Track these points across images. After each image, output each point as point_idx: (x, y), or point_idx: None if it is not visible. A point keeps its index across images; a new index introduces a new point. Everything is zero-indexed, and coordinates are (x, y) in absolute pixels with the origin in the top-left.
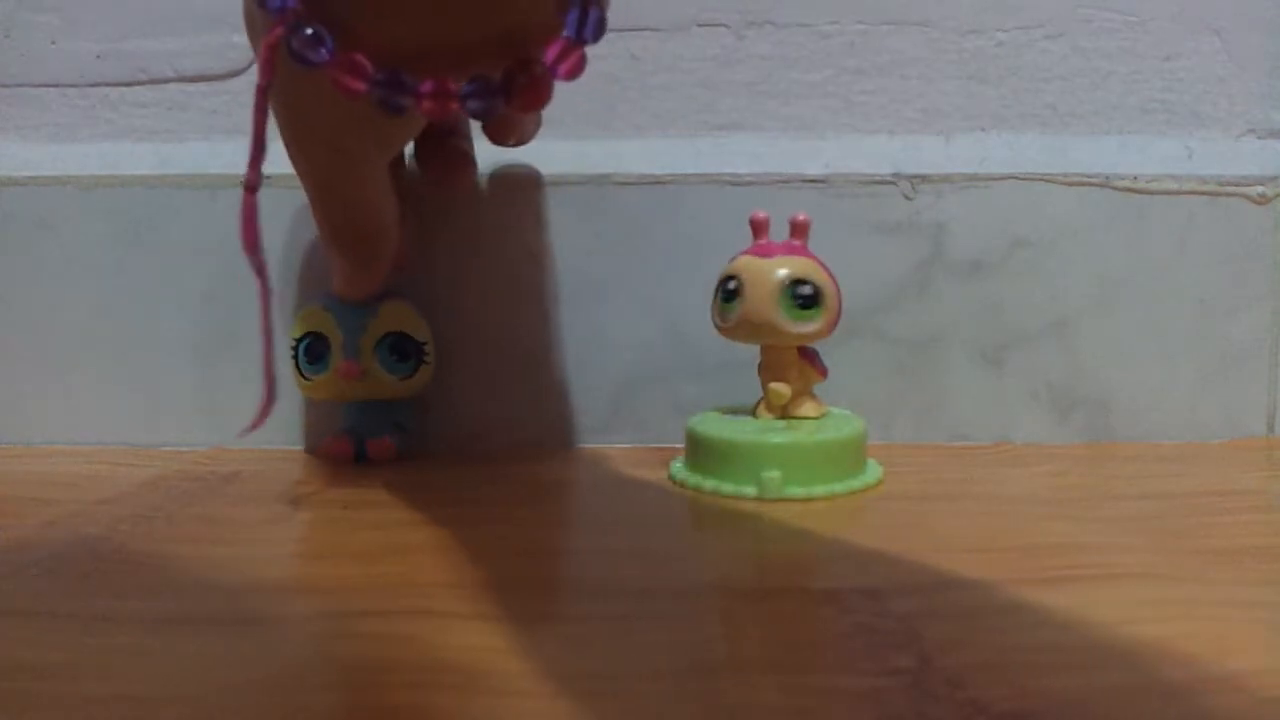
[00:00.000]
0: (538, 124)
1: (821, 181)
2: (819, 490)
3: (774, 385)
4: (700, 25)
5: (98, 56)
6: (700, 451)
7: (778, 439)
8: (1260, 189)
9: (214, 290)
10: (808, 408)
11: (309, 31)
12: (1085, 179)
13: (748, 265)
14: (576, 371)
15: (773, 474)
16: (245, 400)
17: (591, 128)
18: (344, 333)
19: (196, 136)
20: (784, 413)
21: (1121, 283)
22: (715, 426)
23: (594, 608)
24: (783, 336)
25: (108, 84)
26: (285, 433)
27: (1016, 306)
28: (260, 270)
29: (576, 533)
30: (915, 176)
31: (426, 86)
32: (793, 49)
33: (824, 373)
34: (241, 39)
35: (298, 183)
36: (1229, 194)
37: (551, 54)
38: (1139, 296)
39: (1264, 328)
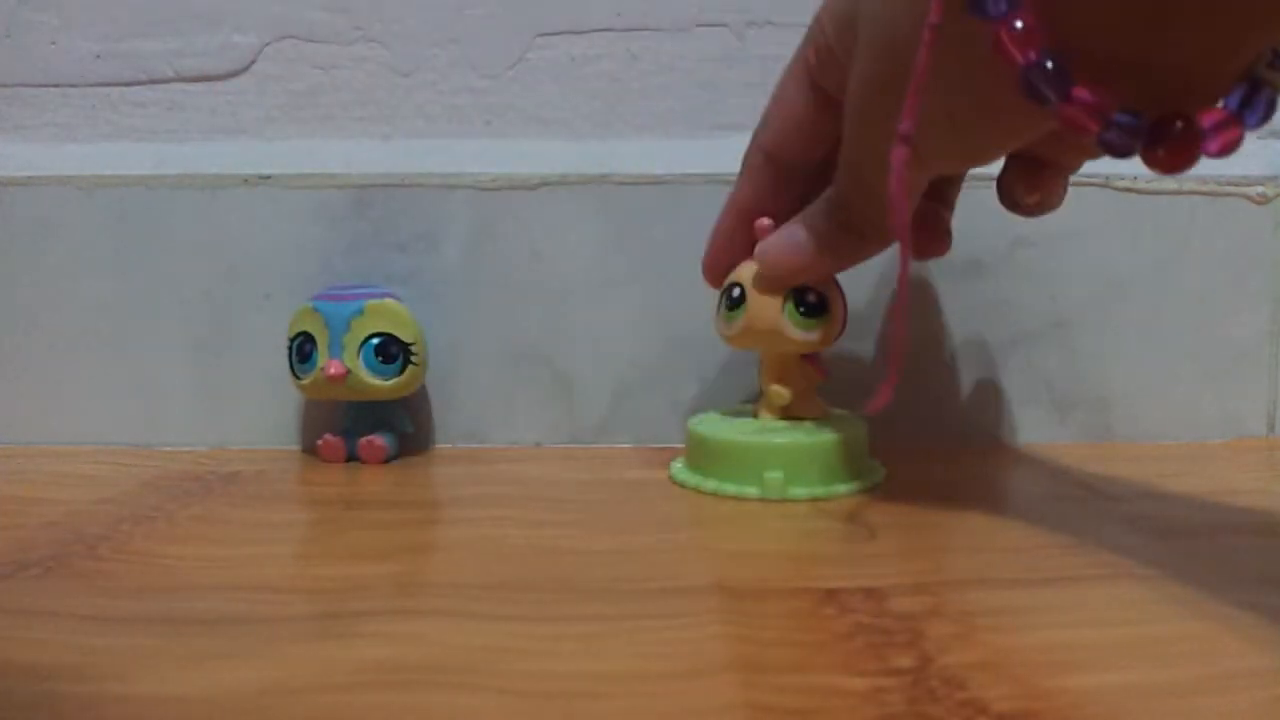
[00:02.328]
0: (1062, 195)
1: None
2: (820, 491)
3: (774, 387)
4: (700, 25)
5: (98, 56)
6: (702, 452)
7: (780, 439)
8: (1260, 189)
9: (214, 290)
10: (809, 408)
11: (1049, 65)
12: (1085, 179)
13: (752, 273)
14: (577, 371)
15: (775, 474)
16: (245, 400)
17: (591, 128)
18: (331, 332)
19: (196, 136)
20: (785, 413)
21: (1121, 283)
22: (717, 427)
23: (594, 608)
24: (787, 344)
25: (108, 84)
26: (284, 433)
27: (1016, 306)
28: (904, 235)
29: (576, 533)
30: None
31: (1082, 93)
32: (793, 49)
33: (825, 373)
34: (242, 39)
35: (298, 182)
36: (1229, 194)
37: (1209, 120)
38: (1139, 296)
39: (1264, 328)
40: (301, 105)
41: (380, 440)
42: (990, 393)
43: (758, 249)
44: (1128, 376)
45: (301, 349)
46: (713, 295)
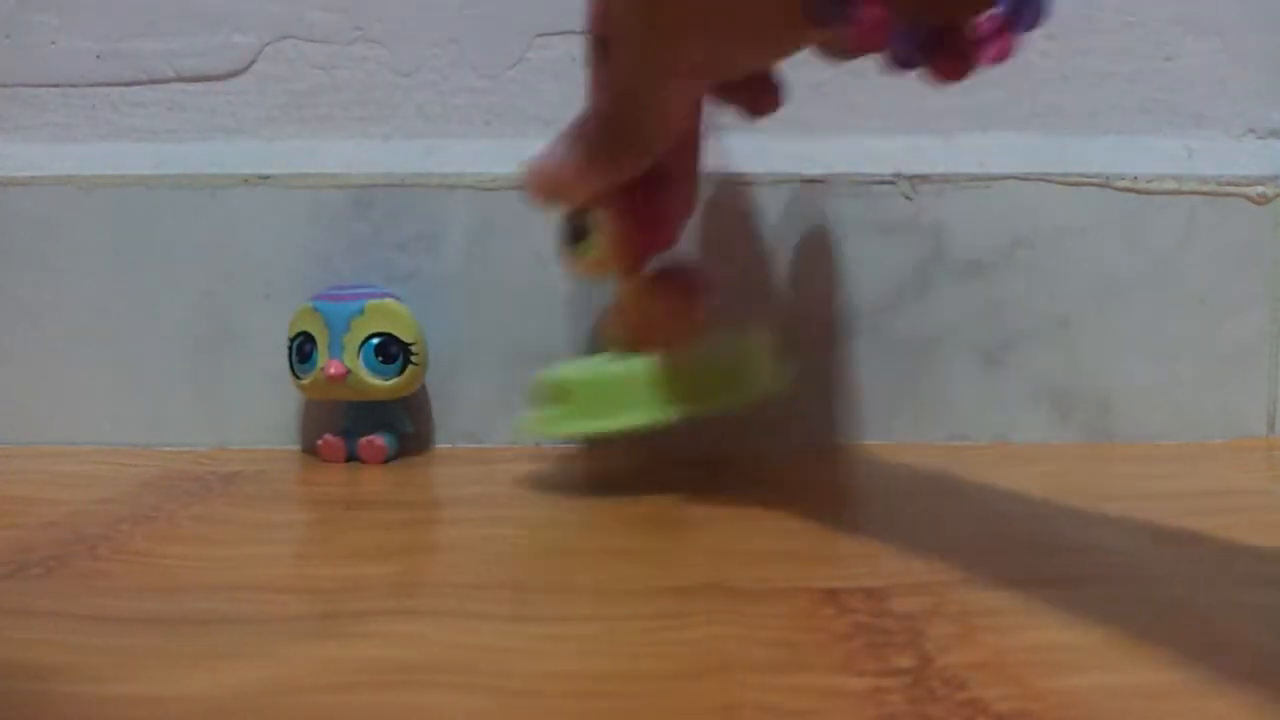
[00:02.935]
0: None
1: (821, 181)
2: (593, 425)
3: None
4: None
5: (98, 56)
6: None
7: (558, 373)
8: (1260, 189)
9: (214, 290)
10: (664, 337)
11: None
12: (1085, 179)
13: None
14: None
15: (552, 412)
16: (245, 400)
17: None
18: (330, 332)
19: (196, 136)
20: (640, 347)
21: (1121, 283)
22: (563, 367)
23: (594, 608)
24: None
25: (108, 84)
26: (284, 433)
27: (1016, 306)
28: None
29: (577, 533)
30: (915, 176)
31: (872, 10)
32: None
33: (682, 293)
34: (242, 39)
35: (298, 182)
36: (1229, 194)
37: (981, 29)
38: (1139, 296)
39: (1264, 328)
40: (301, 105)
41: (380, 440)
42: (990, 393)
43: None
44: (1128, 376)
45: (301, 349)
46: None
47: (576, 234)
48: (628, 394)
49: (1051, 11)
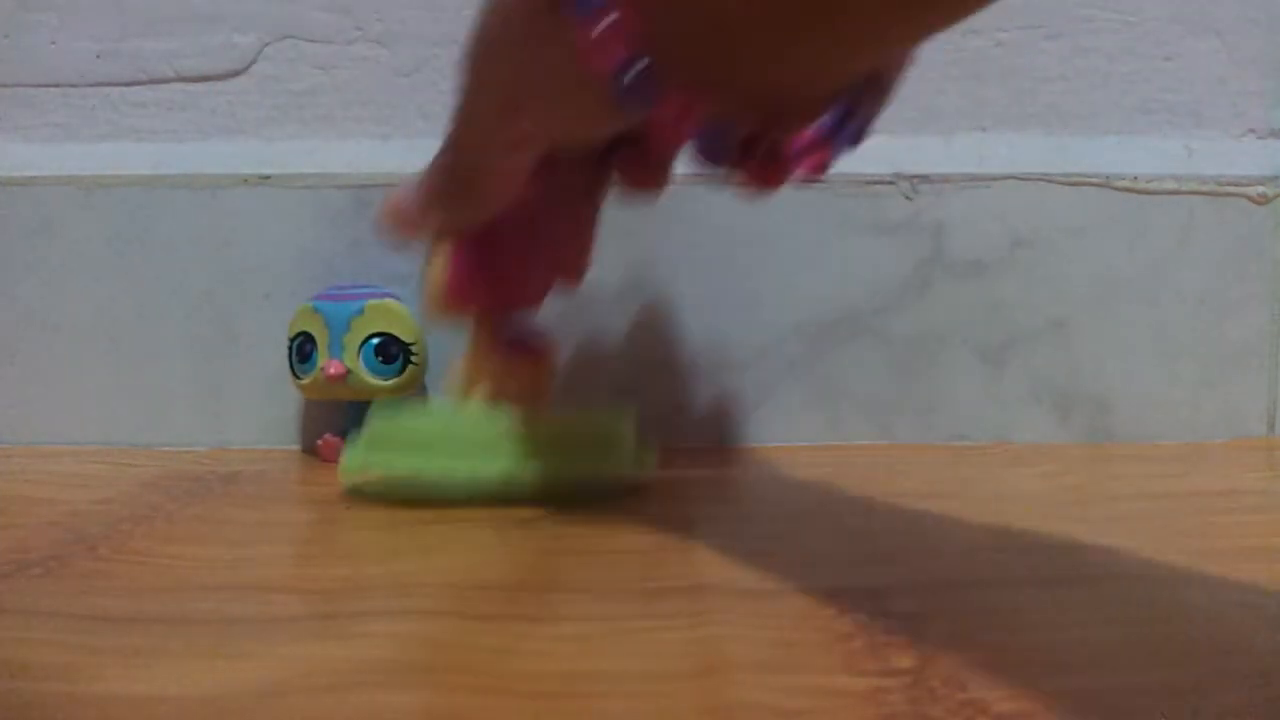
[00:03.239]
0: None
1: (821, 181)
2: (395, 467)
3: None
4: None
5: (98, 56)
6: None
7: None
8: (1260, 189)
9: (214, 290)
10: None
11: (640, 65)
12: (1085, 179)
13: None
14: (577, 372)
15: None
16: (245, 400)
17: None
18: (330, 332)
19: (196, 136)
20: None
21: (1121, 283)
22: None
23: (594, 608)
24: None
25: (108, 84)
26: (284, 433)
27: (1016, 306)
28: None
29: (576, 533)
30: (915, 176)
31: (676, 101)
32: None
33: (518, 353)
34: (242, 39)
35: (298, 182)
36: (1229, 194)
37: (799, 142)
38: (1139, 296)
39: (1264, 328)
40: (301, 105)
41: None
42: (990, 393)
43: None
44: (1128, 376)
45: (301, 349)
46: (713, 294)
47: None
48: (450, 444)
49: (872, 131)
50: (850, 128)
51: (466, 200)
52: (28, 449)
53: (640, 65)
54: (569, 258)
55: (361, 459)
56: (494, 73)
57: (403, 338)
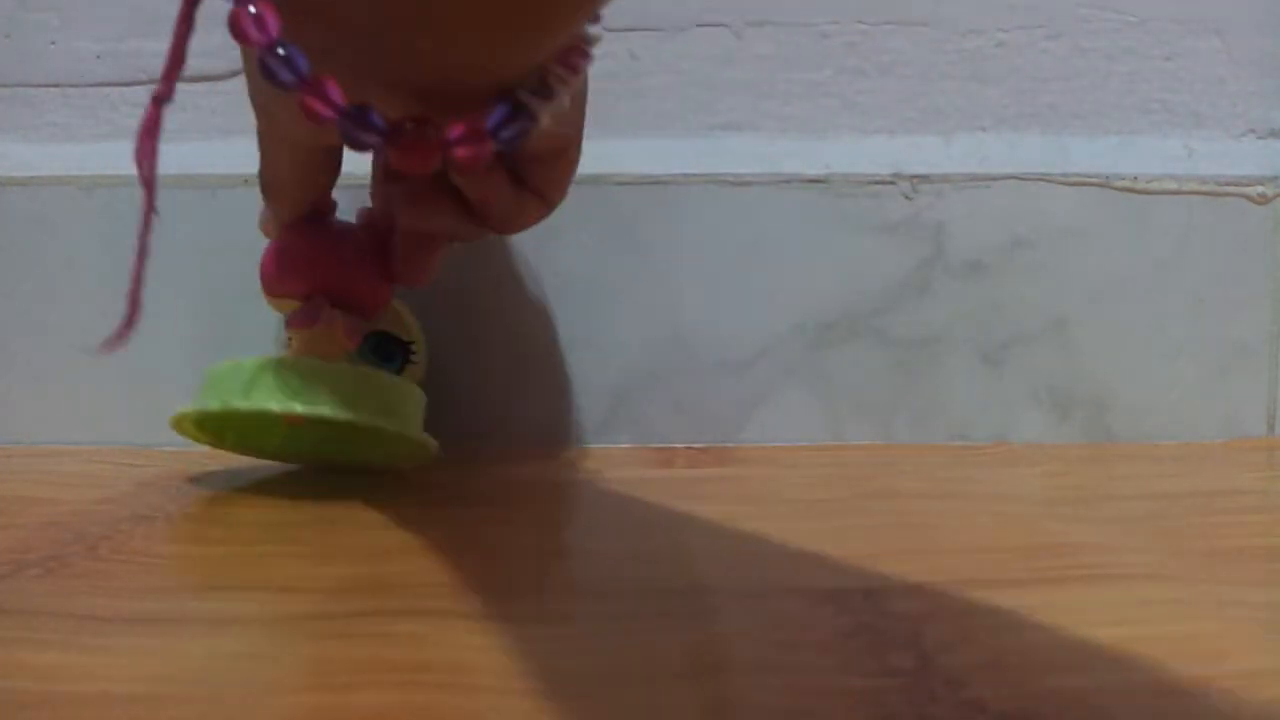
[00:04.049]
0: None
1: (821, 181)
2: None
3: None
4: (700, 25)
5: (98, 56)
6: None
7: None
8: (1260, 189)
9: (214, 290)
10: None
11: (280, 52)
12: (1085, 179)
13: None
14: (576, 371)
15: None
16: None
17: (590, 127)
18: None
19: (196, 136)
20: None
21: (1121, 283)
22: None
23: (594, 608)
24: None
25: (108, 84)
26: None
27: (1016, 306)
28: (149, 183)
29: (576, 533)
30: (915, 176)
31: (319, 83)
32: (793, 49)
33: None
34: None
35: None
36: (1229, 194)
37: (456, 131)
38: (1139, 296)
39: (1264, 328)
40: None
41: None
42: (990, 393)
43: None
44: (1128, 376)
45: None
46: (713, 294)
47: None
48: (253, 381)
49: (530, 134)
50: (516, 124)
51: (267, 191)
52: (28, 449)
53: (282, 49)
54: (397, 264)
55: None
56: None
57: (402, 337)
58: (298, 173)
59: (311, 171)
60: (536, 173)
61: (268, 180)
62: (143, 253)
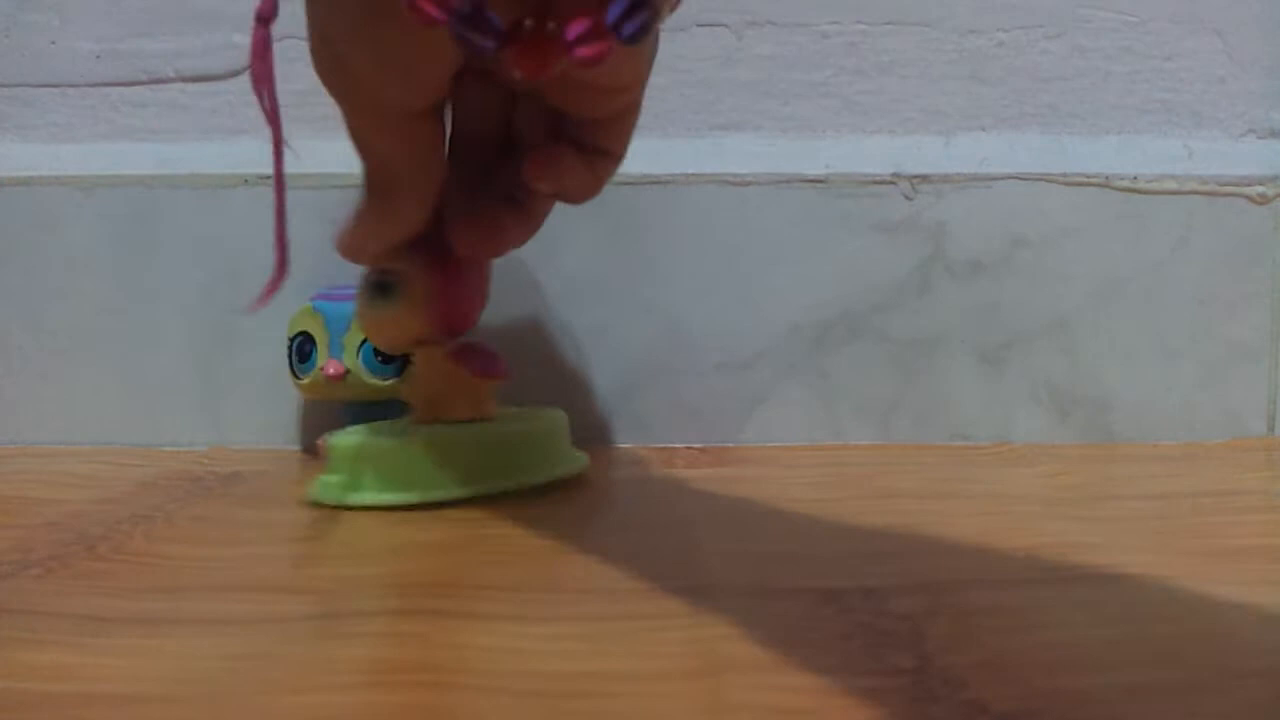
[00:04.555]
0: (588, 182)
1: (821, 181)
2: (386, 498)
3: (405, 385)
4: (700, 25)
5: (98, 56)
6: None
7: (348, 440)
8: (1260, 189)
9: (214, 290)
10: (453, 409)
11: None
12: (1085, 179)
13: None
14: (577, 371)
15: (331, 478)
16: (245, 400)
17: None
18: (330, 332)
19: (196, 136)
20: (431, 416)
21: (1121, 283)
22: (352, 434)
23: (594, 608)
24: (366, 330)
25: (108, 84)
26: (284, 433)
27: (1016, 306)
28: (273, 115)
29: (576, 532)
30: (915, 176)
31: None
32: (793, 49)
33: (486, 374)
34: (242, 39)
35: (298, 182)
36: (1229, 194)
37: (576, 28)
38: (1139, 296)
39: (1264, 328)
40: (301, 105)
41: None
42: (990, 393)
43: None
44: (1128, 376)
45: (301, 349)
46: (713, 294)
47: (380, 290)
48: (418, 467)
49: (653, 29)
50: (637, 19)
51: (391, 206)
52: (28, 449)
53: None
54: (484, 280)
55: (331, 483)
56: (347, 57)
57: None
58: (407, 150)
59: (420, 147)
60: (607, 132)
61: (378, 180)
62: (281, 189)
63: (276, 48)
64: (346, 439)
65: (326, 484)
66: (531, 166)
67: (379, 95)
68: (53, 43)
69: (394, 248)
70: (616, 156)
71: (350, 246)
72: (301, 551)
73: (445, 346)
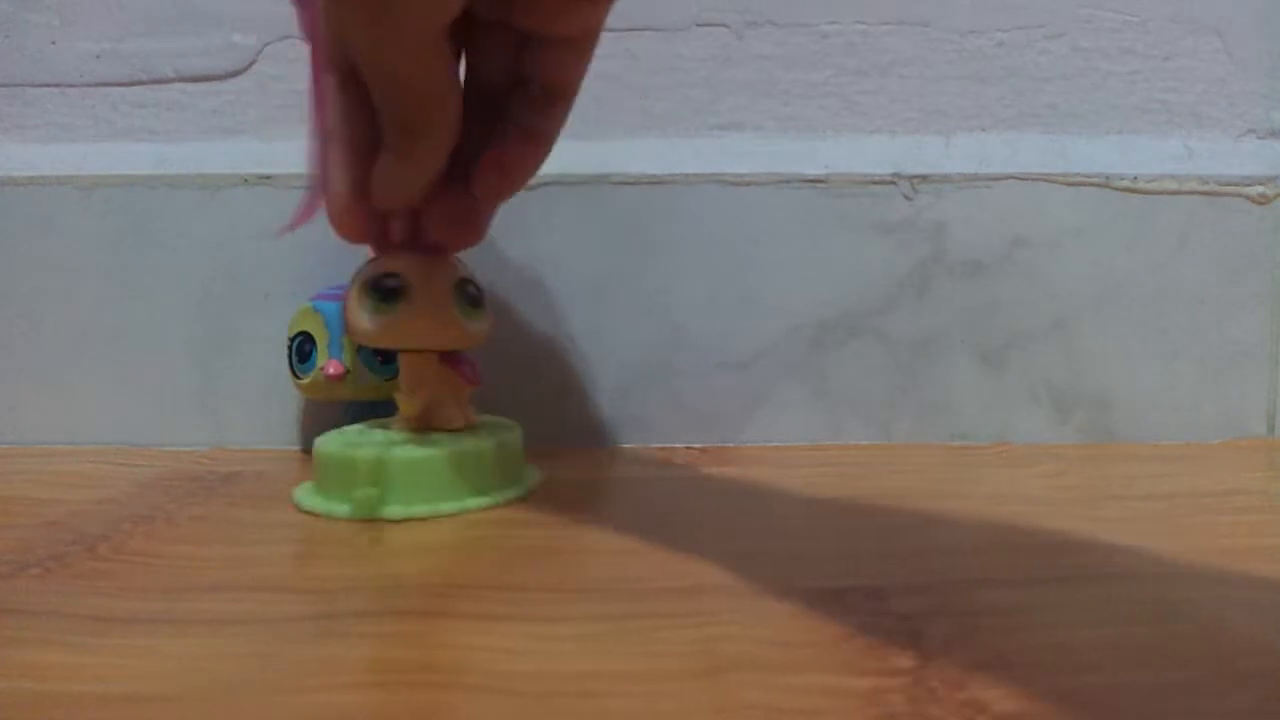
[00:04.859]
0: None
1: (821, 181)
2: (420, 509)
3: (401, 396)
4: (700, 25)
5: (98, 56)
6: (317, 470)
7: (369, 453)
8: (1260, 189)
9: (214, 290)
10: (449, 418)
11: None
12: (1085, 179)
13: (411, 264)
14: (576, 371)
15: (369, 492)
16: (245, 400)
17: (591, 128)
18: (330, 332)
19: (196, 136)
20: (423, 424)
21: (1121, 283)
22: (334, 441)
23: (594, 608)
24: (458, 340)
25: (108, 84)
26: (284, 433)
27: (1016, 306)
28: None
29: (577, 532)
30: (915, 176)
31: None
32: (793, 49)
33: (473, 380)
34: (242, 39)
35: (298, 182)
36: (1229, 194)
37: None
38: (1139, 296)
39: (1264, 328)
40: (302, 105)
41: None
42: (990, 393)
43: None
44: (1128, 376)
45: (301, 349)
46: (713, 294)
47: (386, 295)
48: (443, 478)
49: None
50: None
51: (415, 139)
52: (28, 449)
53: None
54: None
55: (369, 498)
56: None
57: None
58: (432, 72)
59: (444, 67)
60: (545, 114)
61: (402, 113)
62: (316, 86)
63: (276, 48)
64: (363, 451)
65: (362, 500)
66: (484, 170)
67: (410, 8)
68: (53, 43)
69: (420, 189)
70: (551, 144)
71: (379, 195)
72: (301, 551)
73: (433, 357)
